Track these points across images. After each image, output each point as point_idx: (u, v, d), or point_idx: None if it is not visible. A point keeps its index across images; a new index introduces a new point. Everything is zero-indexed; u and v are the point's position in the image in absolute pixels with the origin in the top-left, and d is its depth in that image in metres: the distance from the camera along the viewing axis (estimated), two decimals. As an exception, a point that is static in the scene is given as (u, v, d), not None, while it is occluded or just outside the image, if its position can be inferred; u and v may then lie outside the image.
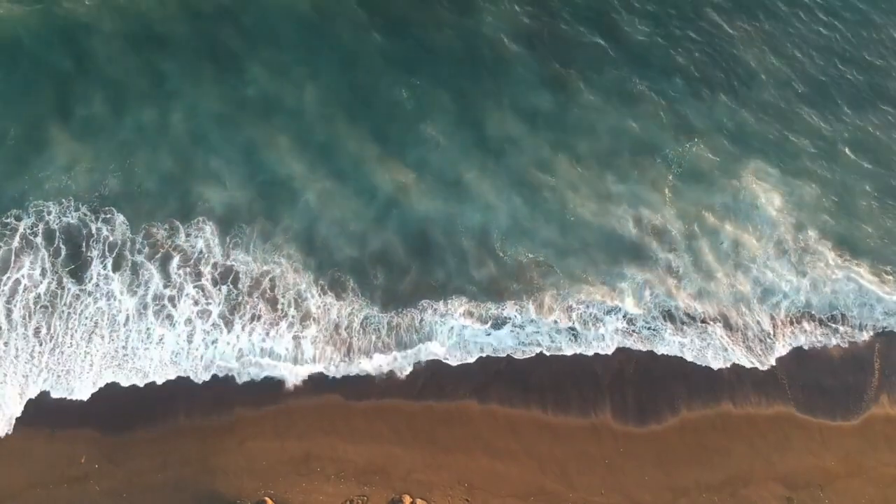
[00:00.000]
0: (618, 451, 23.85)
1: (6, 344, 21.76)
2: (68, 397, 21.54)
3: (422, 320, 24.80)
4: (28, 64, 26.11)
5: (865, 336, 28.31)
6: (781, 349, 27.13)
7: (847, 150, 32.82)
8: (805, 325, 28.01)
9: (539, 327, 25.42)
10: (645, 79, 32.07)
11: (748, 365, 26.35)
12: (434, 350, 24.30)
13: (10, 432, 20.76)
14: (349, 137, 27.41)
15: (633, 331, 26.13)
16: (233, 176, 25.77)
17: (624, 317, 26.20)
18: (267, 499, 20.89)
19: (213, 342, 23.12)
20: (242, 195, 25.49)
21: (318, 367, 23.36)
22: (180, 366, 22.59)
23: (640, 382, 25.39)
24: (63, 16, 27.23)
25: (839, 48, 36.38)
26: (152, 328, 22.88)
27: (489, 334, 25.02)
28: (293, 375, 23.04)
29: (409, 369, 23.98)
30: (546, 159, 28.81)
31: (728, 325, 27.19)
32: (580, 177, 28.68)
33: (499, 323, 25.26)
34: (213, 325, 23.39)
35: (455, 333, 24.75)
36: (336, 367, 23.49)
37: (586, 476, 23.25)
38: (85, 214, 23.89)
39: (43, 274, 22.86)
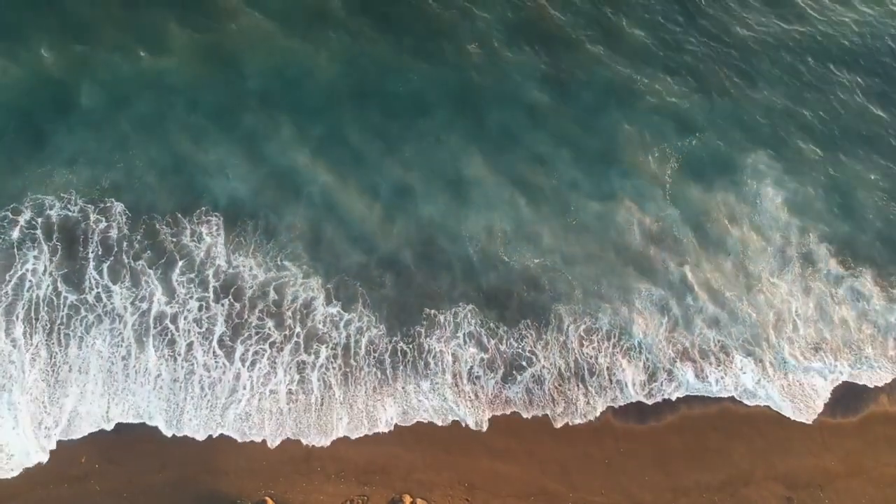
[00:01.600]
0: (618, 451, 23.84)
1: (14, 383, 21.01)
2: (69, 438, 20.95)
3: (428, 351, 24.01)
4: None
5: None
6: (823, 395, 26.31)
7: (850, 150, 32.67)
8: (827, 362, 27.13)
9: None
10: (645, 76, 32.01)
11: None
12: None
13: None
14: (351, 132, 27.50)
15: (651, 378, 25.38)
16: (236, 169, 25.71)
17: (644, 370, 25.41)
18: (267, 498, 20.86)
19: (211, 386, 22.14)
20: (245, 189, 25.44)
21: (322, 440, 22.12)
22: (172, 422, 21.56)
23: (641, 382, 25.38)
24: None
25: (843, 49, 36.16)
26: (149, 361, 22.02)
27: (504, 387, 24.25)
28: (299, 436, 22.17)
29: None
30: (547, 159, 28.72)
31: (754, 362, 26.32)
32: (582, 176, 28.64)
33: (514, 367, 24.47)
34: (213, 354, 22.52)
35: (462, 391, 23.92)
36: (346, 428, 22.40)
37: (587, 476, 23.24)
38: (85, 207, 23.58)
39: (45, 273, 22.45)
